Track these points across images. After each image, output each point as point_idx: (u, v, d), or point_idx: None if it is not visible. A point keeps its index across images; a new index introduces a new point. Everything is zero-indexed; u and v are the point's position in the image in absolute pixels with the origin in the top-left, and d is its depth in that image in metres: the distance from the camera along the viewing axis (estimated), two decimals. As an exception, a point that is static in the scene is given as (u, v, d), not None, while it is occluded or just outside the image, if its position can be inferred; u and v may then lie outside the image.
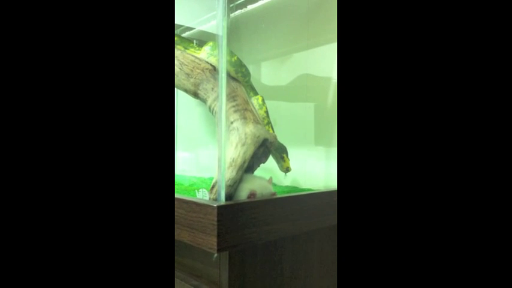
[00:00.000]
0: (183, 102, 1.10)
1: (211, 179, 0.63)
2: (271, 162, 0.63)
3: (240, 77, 0.63)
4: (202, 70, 0.61)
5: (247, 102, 0.60)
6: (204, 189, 0.56)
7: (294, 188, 0.74)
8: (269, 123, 0.65)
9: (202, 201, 0.47)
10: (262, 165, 0.61)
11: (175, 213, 0.50)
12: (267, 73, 0.92)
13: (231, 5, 0.95)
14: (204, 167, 1.01)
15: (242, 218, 0.47)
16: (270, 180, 0.57)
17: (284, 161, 0.66)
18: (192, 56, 0.64)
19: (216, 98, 0.59)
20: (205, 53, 0.63)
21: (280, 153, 0.66)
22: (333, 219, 0.61)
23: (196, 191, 0.59)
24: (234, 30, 0.98)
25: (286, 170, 0.67)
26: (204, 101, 0.62)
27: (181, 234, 0.49)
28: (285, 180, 0.80)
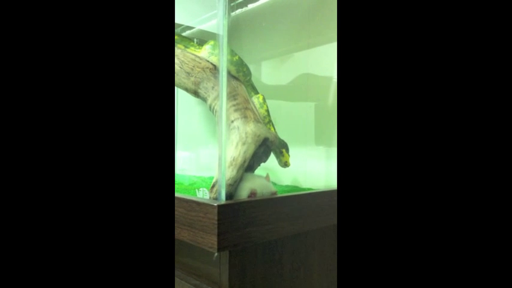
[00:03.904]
0: (183, 101, 1.10)
1: (212, 178, 0.63)
2: (270, 161, 0.63)
3: (241, 76, 0.63)
4: (203, 69, 0.61)
5: (247, 101, 0.60)
6: (205, 189, 0.56)
7: (295, 188, 0.74)
8: (270, 122, 0.65)
9: (202, 200, 0.47)
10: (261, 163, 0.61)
11: (176, 212, 0.50)
12: (268, 72, 0.92)
13: (232, 4, 0.95)
14: (205, 166, 1.01)
15: (242, 217, 0.46)
16: (267, 177, 0.57)
17: (283, 155, 0.66)
18: (193, 54, 0.64)
19: (217, 97, 0.59)
20: (206, 52, 0.63)
21: (280, 148, 0.67)
22: (333, 219, 0.60)
23: (196, 190, 0.59)
24: (235, 29, 0.97)
25: (285, 164, 0.67)
26: (204, 99, 0.62)
27: (181, 233, 0.49)
28: (284, 175, 0.80)
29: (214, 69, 0.61)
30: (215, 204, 0.44)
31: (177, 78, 0.63)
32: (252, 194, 0.52)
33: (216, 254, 0.47)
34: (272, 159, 0.65)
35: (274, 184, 0.75)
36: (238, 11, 0.97)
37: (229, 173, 0.52)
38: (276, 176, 0.83)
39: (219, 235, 0.44)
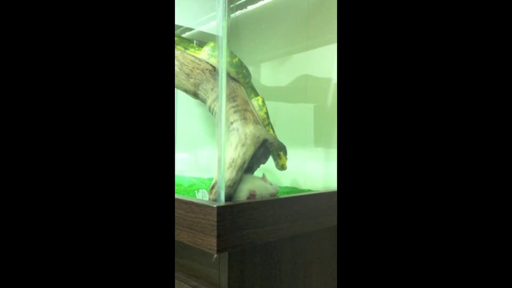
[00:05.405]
0: (182, 102, 1.10)
1: (211, 179, 0.63)
2: (269, 162, 0.63)
3: (241, 78, 0.63)
4: (202, 70, 0.61)
5: (247, 103, 0.60)
6: (204, 190, 0.56)
7: (294, 189, 0.74)
8: (269, 123, 0.65)
9: (201, 202, 0.47)
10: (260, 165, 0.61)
11: (175, 214, 0.50)
12: (267, 74, 0.92)
13: (231, 6, 0.95)
14: (204, 168, 1.01)
15: (242, 219, 0.46)
16: (264, 178, 0.57)
17: (280, 158, 0.66)
18: (192, 56, 0.64)
19: (216, 99, 0.59)
20: (205, 54, 0.63)
21: (277, 151, 0.67)
22: (332, 220, 0.60)
23: (195, 191, 0.59)
24: (234, 30, 0.97)
25: (281, 167, 0.67)
26: (203, 101, 0.62)
27: (180, 234, 0.49)
28: (284, 177, 0.80)
29: (214, 70, 0.61)
30: (214, 206, 0.44)
31: (177, 80, 0.63)
32: (251, 195, 0.52)
33: (215, 255, 0.47)
34: (271, 160, 0.65)
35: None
36: (238, 12, 0.97)
37: (229, 175, 0.52)
38: (275, 177, 0.83)
39: (218, 237, 0.44)
